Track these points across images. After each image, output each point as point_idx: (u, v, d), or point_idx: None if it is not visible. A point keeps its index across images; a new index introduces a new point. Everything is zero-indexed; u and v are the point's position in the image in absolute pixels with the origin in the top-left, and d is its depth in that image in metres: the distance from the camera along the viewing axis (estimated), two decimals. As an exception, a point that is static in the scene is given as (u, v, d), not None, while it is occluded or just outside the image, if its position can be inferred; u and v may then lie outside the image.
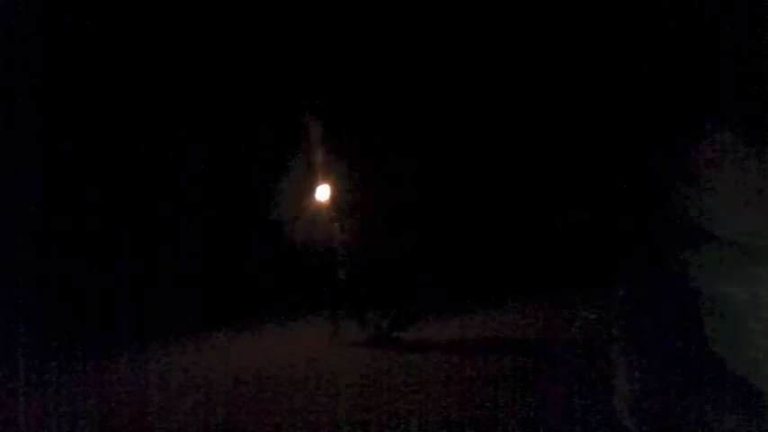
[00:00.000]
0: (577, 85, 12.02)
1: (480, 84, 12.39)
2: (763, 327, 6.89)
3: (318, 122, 10.38)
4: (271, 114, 12.27)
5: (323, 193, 7.76)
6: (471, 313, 9.21)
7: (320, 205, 7.73)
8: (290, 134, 12.26)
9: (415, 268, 11.09)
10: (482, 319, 8.88)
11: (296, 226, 8.84)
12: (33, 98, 11.11)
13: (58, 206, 11.22)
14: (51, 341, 8.63)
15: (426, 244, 11.89)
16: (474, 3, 12.27)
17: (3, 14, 10.26)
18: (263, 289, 11.00)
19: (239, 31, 12.00)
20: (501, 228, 11.97)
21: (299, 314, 10.21)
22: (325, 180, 8.23)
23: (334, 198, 7.73)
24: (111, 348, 8.58)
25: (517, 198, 12.13)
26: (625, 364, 6.11)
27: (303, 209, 7.94)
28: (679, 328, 7.44)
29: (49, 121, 11.33)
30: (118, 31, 11.75)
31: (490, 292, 9.96)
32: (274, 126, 12.35)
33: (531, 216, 11.98)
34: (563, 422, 4.95)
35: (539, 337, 7.56)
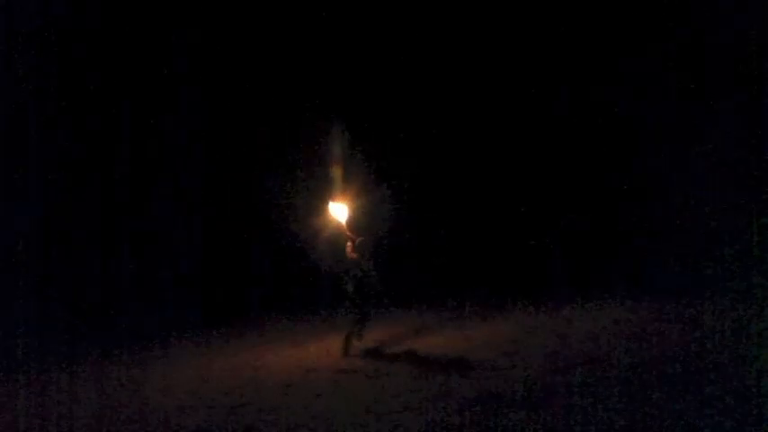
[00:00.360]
0: (577, 88, 12.07)
1: (482, 87, 12.46)
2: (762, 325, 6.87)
3: (342, 132, 10.41)
4: (275, 116, 12.32)
5: (337, 208, 7.65)
6: (471, 312, 9.19)
7: (335, 222, 7.64)
8: (292, 136, 12.30)
9: (415, 268, 11.10)
10: (482, 319, 8.86)
11: (314, 238, 8.78)
12: (34, 98, 11.12)
13: (59, 206, 11.23)
14: (51, 341, 8.65)
15: (427, 244, 11.91)
16: (476, 8, 12.32)
17: (2, 14, 10.27)
18: (263, 289, 11.02)
19: (252, 38, 12.06)
20: (501, 228, 11.98)
21: (300, 314, 10.20)
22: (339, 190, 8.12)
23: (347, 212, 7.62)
24: (111, 348, 8.58)
25: (518, 199, 12.14)
26: (627, 364, 6.13)
27: (323, 222, 7.87)
28: (679, 327, 7.43)
29: (49, 121, 11.34)
30: (119, 32, 11.77)
31: (490, 293, 9.97)
32: (278, 128, 12.39)
33: (531, 216, 12.00)
34: (564, 424, 4.96)
35: (539, 337, 7.55)
